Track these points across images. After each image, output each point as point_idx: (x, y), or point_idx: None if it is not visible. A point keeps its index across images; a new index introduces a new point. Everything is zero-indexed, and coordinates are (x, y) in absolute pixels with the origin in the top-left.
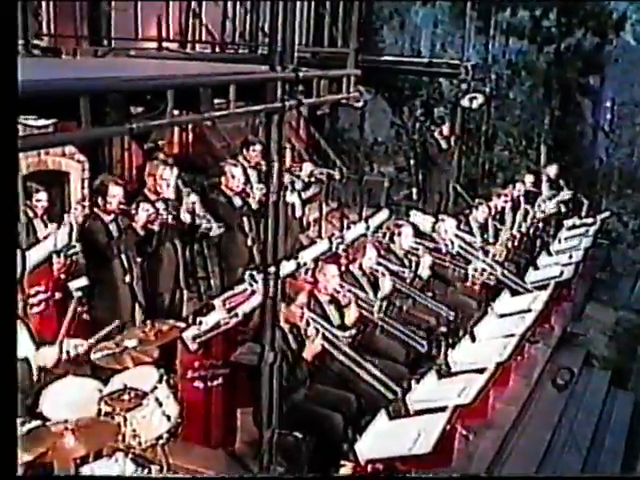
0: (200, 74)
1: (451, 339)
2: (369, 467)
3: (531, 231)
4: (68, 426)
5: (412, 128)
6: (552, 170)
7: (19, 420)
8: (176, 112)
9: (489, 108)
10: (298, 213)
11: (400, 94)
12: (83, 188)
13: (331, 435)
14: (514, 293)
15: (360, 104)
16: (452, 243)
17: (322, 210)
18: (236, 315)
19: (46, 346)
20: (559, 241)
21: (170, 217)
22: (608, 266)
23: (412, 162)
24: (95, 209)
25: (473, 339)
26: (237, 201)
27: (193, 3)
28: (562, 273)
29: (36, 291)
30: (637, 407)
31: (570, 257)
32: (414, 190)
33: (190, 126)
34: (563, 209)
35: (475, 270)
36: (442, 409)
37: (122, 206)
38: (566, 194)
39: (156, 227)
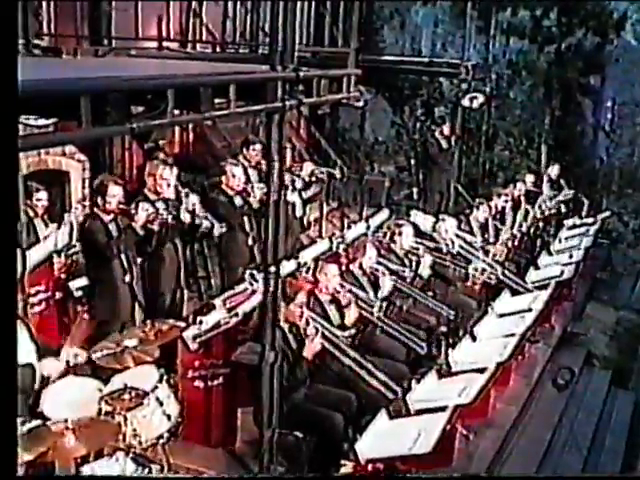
0: (200, 74)
1: (451, 339)
2: (369, 467)
3: (531, 231)
4: (69, 425)
5: (413, 128)
6: (553, 170)
7: (19, 419)
8: (177, 112)
9: (490, 108)
10: (299, 212)
11: (401, 94)
12: (83, 188)
13: (331, 435)
14: (514, 293)
15: (361, 104)
16: (452, 243)
17: (323, 210)
18: (236, 315)
19: (51, 357)
20: (559, 241)
21: (170, 217)
22: (609, 266)
23: (413, 162)
24: (95, 209)
25: (473, 339)
26: (238, 200)
27: (193, 3)
28: (562, 273)
29: (36, 291)
30: (638, 407)
31: (570, 257)
32: (415, 190)
33: (191, 126)
34: (564, 209)
35: (475, 270)
36: (442, 409)
37: (122, 206)
38: (567, 194)
39: (156, 227)
